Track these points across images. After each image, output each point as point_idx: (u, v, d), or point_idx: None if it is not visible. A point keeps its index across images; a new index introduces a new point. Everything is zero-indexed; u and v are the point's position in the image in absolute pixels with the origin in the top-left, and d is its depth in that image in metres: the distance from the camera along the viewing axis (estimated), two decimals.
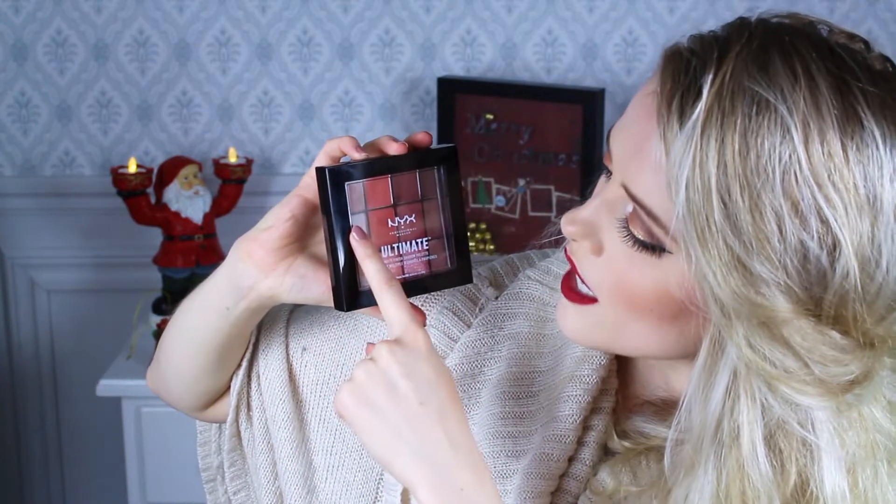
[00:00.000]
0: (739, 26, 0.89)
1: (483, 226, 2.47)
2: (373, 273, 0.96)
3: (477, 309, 1.12)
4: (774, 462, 0.89)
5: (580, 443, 1.03)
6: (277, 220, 1.01)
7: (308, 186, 1.01)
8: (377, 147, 1.00)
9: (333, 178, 0.96)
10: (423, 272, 1.01)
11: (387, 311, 0.95)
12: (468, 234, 1.02)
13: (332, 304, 1.01)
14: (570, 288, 0.97)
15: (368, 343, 1.00)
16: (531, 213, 2.44)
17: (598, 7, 2.52)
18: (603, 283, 0.94)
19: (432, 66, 2.55)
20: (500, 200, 2.46)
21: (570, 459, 1.03)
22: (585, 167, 2.37)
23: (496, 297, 1.12)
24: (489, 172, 2.45)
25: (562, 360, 1.06)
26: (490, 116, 2.42)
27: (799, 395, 0.86)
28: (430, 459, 0.92)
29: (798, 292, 0.85)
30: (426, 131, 1.01)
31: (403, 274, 1.00)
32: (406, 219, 1.00)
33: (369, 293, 0.98)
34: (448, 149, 1.01)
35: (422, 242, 1.01)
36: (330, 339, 1.16)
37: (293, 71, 2.55)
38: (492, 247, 2.47)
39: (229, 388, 1.18)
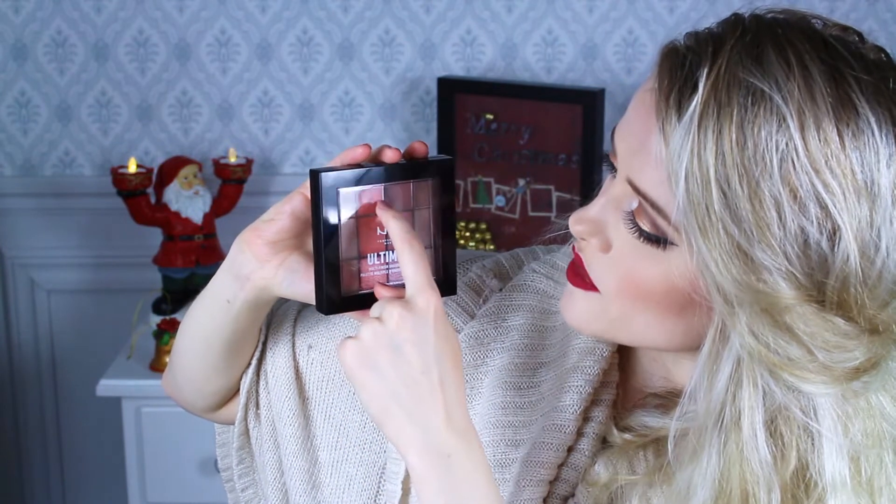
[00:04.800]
0: (734, 22, 0.90)
1: (483, 226, 2.47)
2: (395, 231, 0.97)
3: (481, 300, 1.14)
4: (774, 447, 0.90)
5: (580, 433, 1.04)
6: (278, 214, 1.03)
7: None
8: (375, 156, 1.00)
9: (326, 183, 0.97)
10: (394, 285, 1.01)
11: (405, 269, 0.96)
12: (456, 247, 1.02)
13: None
14: (577, 274, 0.98)
15: (379, 283, 1.00)
16: (531, 213, 2.44)
17: (598, 7, 2.52)
18: (610, 279, 0.95)
19: (432, 66, 2.55)
20: (500, 200, 2.46)
21: (570, 449, 1.04)
22: (585, 167, 2.37)
23: (500, 289, 1.14)
24: (489, 172, 2.45)
25: (564, 352, 1.07)
26: (490, 116, 2.42)
27: (802, 382, 0.87)
28: (422, 425, 0.94)
29: (800, 278, 0.86)
30: (422, 141, 1.01)
31: (388, 281, 1.01)
32: None
33: (351, 299, 1.00)
34: (444, 161, 1.01)
35: None
36: (335, 337, 1.17)
37: (293, 71, 2.55)
38: (492, 247, 2.47)
39: (240, 388, 1.20)
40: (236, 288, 1.06)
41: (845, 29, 0.91)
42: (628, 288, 0.94)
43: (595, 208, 0.96)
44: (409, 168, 1.00)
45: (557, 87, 2.45)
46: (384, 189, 0.99)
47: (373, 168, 0.98)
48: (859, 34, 0.91)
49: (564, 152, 2.39)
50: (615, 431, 1.03)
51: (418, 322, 0.94)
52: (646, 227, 0.92)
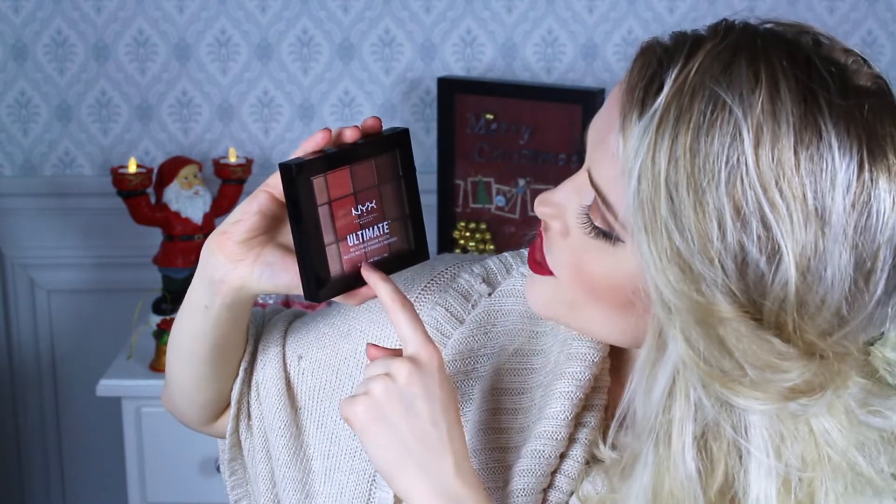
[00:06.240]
0: (719, 27, 0.89)
1: (483, 226, 2.47)
2: (385, 296, 1.00)
3: (469, 306, 1.13)
4: (702, 462, 0.89)
5: (572, 440, 1.04)
6: (245, 214, 1.04)
7: (275, 184, 1.03)
8: (336, 138, 1.02)
9: (297, 174, 0.99)
10: (385, 255, 1.05)
11: (402, 330, 1.00)
12: (422, 213, 1.05)
13: (300, 291, 1.03)
14: (535, 260, 0.99)
15: (369, 344, 1.03)
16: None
17: (598, 7, 2.52)
18: (566, 264, 0.95)
19: (432, 66, 2.55)
20: (500, 200, 2.46)
21: (562, 456, 1.04)
22: None
23: (489, 294, 1.13)
24: (489, 172, 2.45)
25: (554, 358, 1.07)
26: (490, 116, 2.42)
27: (734, 395, 0.86)
28: (434, 477, 0.97)
29: (737, 294, 0.84)
30: (375, 117, 1.04)
31: (367, 260, 1.03)
32: (367, 205, 1.03)
33: (337, 282, 1.02)
34: (400, 132, 1.04)
35: (383, 227, 1.04)
36: (325, 346, 1.17)
37: (293, 71, 2.55)
38: (492, 247, 2.47)
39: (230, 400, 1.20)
40: (212, 292, 1.07)
41: (847, 52, 0.88)
42: (578, 276, 0.94)
43: (560, 193, 0.96)
44: (369, 145, 1.02)
45: (557, 87, 2.44)
46: (350, 170, 1.01)
47: (338, 152, 1.01)
48: (864, 59, 0.88)
49: (564, 152, 2.39)
50: (602, 448, 1.02)
51: (426, 378, 0.98)
52: (597, 221, 0.91)
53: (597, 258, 0.92)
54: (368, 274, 1.02)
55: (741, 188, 0.82)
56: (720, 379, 0.86)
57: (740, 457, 0.88)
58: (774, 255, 0.83)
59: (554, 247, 0.96)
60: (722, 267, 0.84)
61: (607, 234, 0.91)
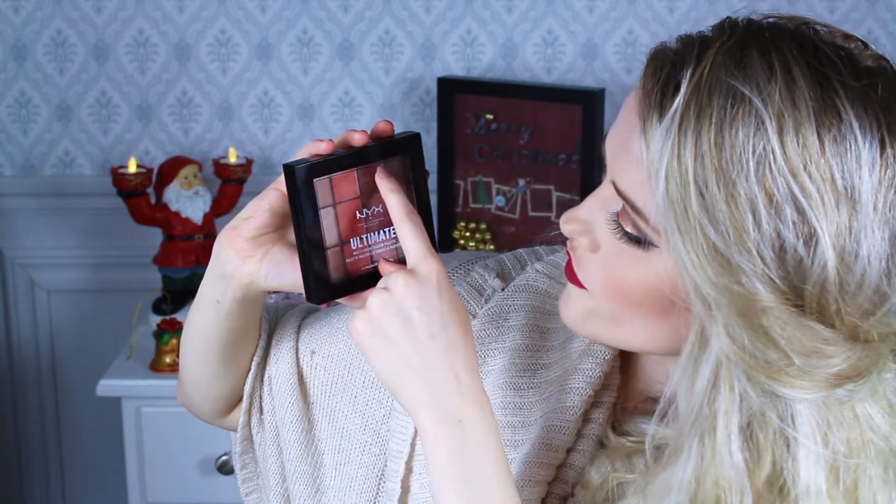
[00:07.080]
0: (724, 26, 0.90)
1: (483, 226, 2.47)
2: (394, 205, 0.99)
3: (482, 300, 1.14)
4: (748, 453, 0.89)
5: (579, 435, 1.04)
6: (256, 211, 1.04)
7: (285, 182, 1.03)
8: (343, 141, 1.02)
9: (300, 176, 0.98)
10: (392, 259, 1.03)
11: (405, 241, 0.98)
12: (432, 218, 1.04)
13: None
14: (573, 273, 0.99)
15: (382, 259, 1.02)
16: (531, 213, 2.44)
17: (598, 7, 2.52)
18: (598, 278, 0.95)
19: (432, 66, 2.55)
20: (500, 200, 2.46)
21: (569, 451, 1.04)
22: (585, 167, 2.37)
23: (502, 289, 1.14)
24: (489, 172, 2.45)
25: (565, 354, 1.07)
26: (490, 116, 2.42)
27: (780, 385, 0.87)
28: (433, 389, 0.96)
29: (777, 282, 0.85)
30: (387, 120, 1.03)
31: (372, 263, 1.02)
32: (374, 209, 1.02)
33: (339, 285, 1.01)
34: (410, 136, 1.03)
35: (389, 231, 1.03)
36: (338, 341, 1.18)
37: (293, 71, 2.55)
38: (492, 247, 2.47)
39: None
40: (223, 287, 1.07)
41: (847, 37, 0.90)
42: (614, 289, 0.94)
43: (585, 208, 0.97)
44: (378, 149, 1.01)
45: (557, 87, 2.45)
46: (356, 173, 1.00)
47: (344, 154, 1.00)
48: (864, 42, 0.91)
49: (564, 152, 2.39)
50: (611, 436, 1.03)
51: (424, 289, 0.96)
52: (628, 228, 0.92)
53: (631, 267, 0.93)
54: (381, 180, 1.00)
55: (771, 176, 0.84)
56: (765, 370, 0.86)
57: (787, 445, 0.89)
58: (811, 238, 0.84)
59: (583, 263, 0.97)
60: (760, 256, 0.85)
61: (639, 240, 0.92)
